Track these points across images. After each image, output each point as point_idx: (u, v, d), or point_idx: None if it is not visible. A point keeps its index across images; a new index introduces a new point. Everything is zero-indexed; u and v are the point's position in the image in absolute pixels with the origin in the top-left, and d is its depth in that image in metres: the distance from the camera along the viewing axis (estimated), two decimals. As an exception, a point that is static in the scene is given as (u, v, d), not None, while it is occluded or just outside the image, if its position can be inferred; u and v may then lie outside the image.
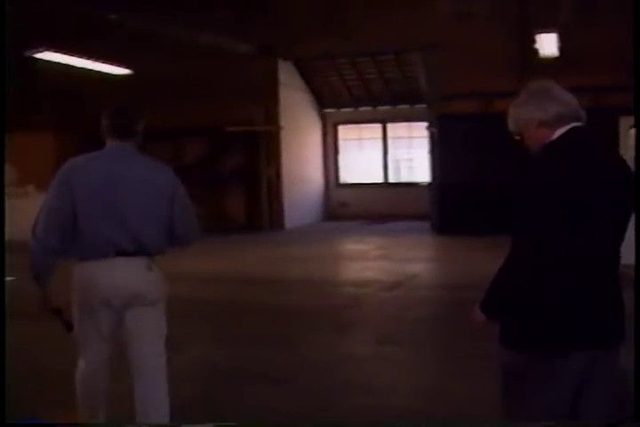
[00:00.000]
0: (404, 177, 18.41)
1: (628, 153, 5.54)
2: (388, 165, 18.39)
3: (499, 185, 11.91)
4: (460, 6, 13.38)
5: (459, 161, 13.75)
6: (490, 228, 11.09)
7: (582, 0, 12.30)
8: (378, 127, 18.34)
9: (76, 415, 3.67)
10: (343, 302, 7.83)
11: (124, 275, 3.37)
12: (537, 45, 11.82)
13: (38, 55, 12.03)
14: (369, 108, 18.05)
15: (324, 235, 15.05)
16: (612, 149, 2.80)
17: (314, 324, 6.86)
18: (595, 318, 2.51)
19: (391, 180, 18.32)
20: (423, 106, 15.73)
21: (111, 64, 13.24)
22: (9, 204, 15.02)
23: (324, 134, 18.73)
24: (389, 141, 18.33)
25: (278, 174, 15.96)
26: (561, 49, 11.99)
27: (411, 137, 18.01)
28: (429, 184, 15.05)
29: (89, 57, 12.56)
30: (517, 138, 2.74)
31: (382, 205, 17.19)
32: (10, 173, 15.32)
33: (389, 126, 18.22)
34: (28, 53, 12.09)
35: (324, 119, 18.66)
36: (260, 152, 15.93)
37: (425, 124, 15.10)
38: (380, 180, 18.43)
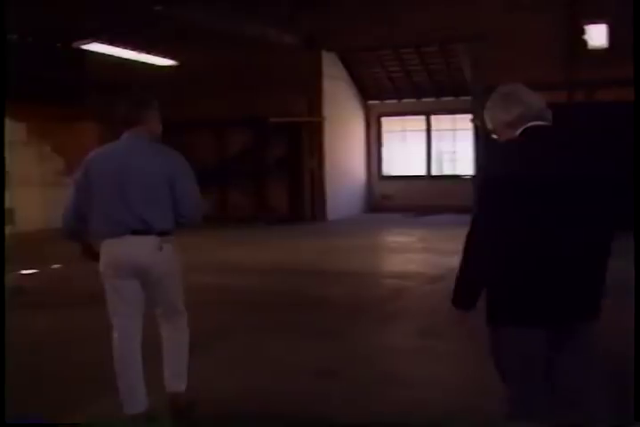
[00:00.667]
0: (448, 170, 18.29)
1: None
2: (432, 157, 18.27)
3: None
4: (507, -4, 13.23)
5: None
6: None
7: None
8: (421, 119, 18.22)
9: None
10: (386, 294, 7.81)
11: (135, 251, 3.82)
12: (586, 37, 11.63)
13: (86, 47, 12.19)
14: (413, 100, 17.94)
15: (367, 227, 15.03)
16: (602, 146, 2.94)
17: (356, 315, 6.86)
18: (556, 296, 2.74)
19: (434, 172, 18.20)
20: (467, 98, 15.58)
21: (157, 55, 13.36)
22: (56, 192, 15.31)
23: (368, 126, 18.68)
24: (433, 134, 18.21)
25: (321, 166, 15.97)
26: (610, 40, 11.78)
27: (455, 129, 17.86)
28: (473, 177, 14.92)
29: (135, 48, 12.68)
30: (494, 136, 2.97)
31: (425, 198, 17.11)
32: (57, 163, 15.60)
33: (433, 118, 18.09)
34: (75, 45, 12.25)
35: (367, 111, 18.60)
36: (303, 143, 15.95)
37: (469, 116, 14.96)
38: (423, 172, 18.33)
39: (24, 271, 9.36)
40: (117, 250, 3.82)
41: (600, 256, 2.82)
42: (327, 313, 6.97)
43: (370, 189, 18.63)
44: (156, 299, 4.00)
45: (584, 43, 11.86)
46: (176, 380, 4.06)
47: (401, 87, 17.77)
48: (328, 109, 15.93)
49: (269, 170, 16.20)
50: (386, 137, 18.86)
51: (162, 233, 3.84)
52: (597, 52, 11.92)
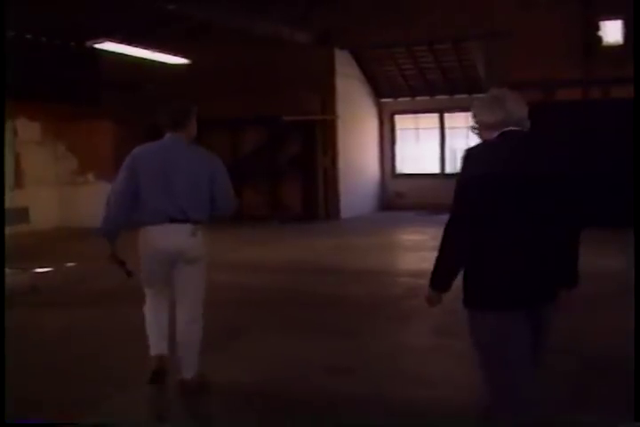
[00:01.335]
0: (461, 168, 18.18)
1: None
2: (445, 155, 18.20)
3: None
4: (521, -7, 13.14)
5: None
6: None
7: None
8: (435, 117, 18.13)
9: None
10: (401, 292, 7.79)
11: (173, 237, 4.38)
12: (601, 33, 11.55)
13: (99, 46, 12.21)
14: (426, 98, 17.86)
15: (381, 225, 15.00)
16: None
17: (371, 314, 6.84)
18: (524, 282, 3.01)
19: (448, 170, 18.11)
20: (481, 95, 15.49)
21: (170, 54, 13.36)
22: (70, 191, 15.39)
23: (381, 124, 18.62)
24: (447, 131, 18.14)
25: (334, 164, 15.95)
26: (626, 36, 11.69)
27: (468, 127, 17.73)
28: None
29: (149, 47, 12.69)
30: (476, 133, 3.26)
31: (438, 196, 16.98)
32: (71, 161, 15.65)
33: (447, 116, 18.00)
34: (89, 44, 12.27)
35: (380, 109, 18.54)
36: (317, 142, 15.93)
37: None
38: (436, 170, 18.26)
39: (38, 269, 9.39)
40: (157, 235, 4.39)
41: (561, 247, 3.09)
42: (342, 311, 6.96)
43: (383, 187, 18.58)
44: (182, 283, 4.51)
45: (599, 39, 11.78)
46: (193, 365, 4.50)
47: (414, 85, 17.71)
48: (341, 107, 15.90)
49: (283, 168, 16.17)
50: (399, 135, 18.80)
51: (196, 222, 4.41)
52: (613, 47, 11.83)
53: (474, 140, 3.31)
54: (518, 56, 13.11)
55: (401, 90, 17.97)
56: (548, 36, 12.90)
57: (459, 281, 3.06)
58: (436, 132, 18.22)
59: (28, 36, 14.21)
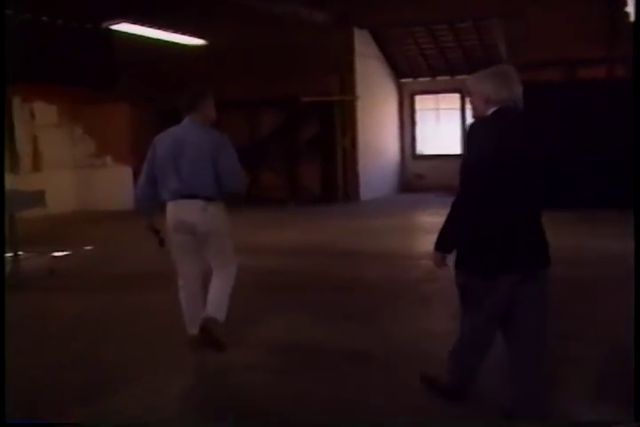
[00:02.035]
0: (482, 148, 17.97)
1: None
2: (466, 135, 17.96)
3: (582, 157, 11.53)
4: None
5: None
6: (573, 201, 10.74)
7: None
8: (456, 97, 17.87)
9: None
10: (420, 275, 7.66)
11: (187, 210, 4.83)
12: (628, 8, 11.24)
13: (115, 27, 12.08)
14: (446, 78, 17.63)
15: (400, 207, 14.86)
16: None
17: (391, 297, 6.72)
18: (518, 247, 3.40)
19: (468, 151, 17.89)
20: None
21: (186, 35, 13.21)
22: (88, 174, 15.35)
23: (401, 105, 18.42)
24: (467, 112, 17.90)
25: (354, 145, 15.79)
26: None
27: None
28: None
29: (164, 28, 12.55)
30: (468, 97, 3.57)
31: (459, 178, 16.84)
32: (88, 144, 15.60)
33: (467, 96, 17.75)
34: (104, 25, 12.16)
35: (400, 89, 18.34)
36: (336, 122, 15.75)
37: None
38: (457, 151, 18.04)
39: (55, 253, 9.34)
40: (174, 210, 4.86)
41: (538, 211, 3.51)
42: (362, 295, 6.85)
43: (403, 169, 18.41)
44: (206, 252, 4.96)
45: (625, 16, 11.46)
46: (214, 308, 4.87)
47: (434, 64, 17.47)
48: (360, 88, 15.70)
49: (301, 150, 16.02)
50: (419, 115, 18.59)
51: (206, 198, 4.78)
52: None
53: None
54: (540, 34, 12.84)
55: (421, 70, 17.74)
56: (572, 12, 12.61)
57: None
58: (457, 113, 17.98)
59: (44, 19, 14.11)
